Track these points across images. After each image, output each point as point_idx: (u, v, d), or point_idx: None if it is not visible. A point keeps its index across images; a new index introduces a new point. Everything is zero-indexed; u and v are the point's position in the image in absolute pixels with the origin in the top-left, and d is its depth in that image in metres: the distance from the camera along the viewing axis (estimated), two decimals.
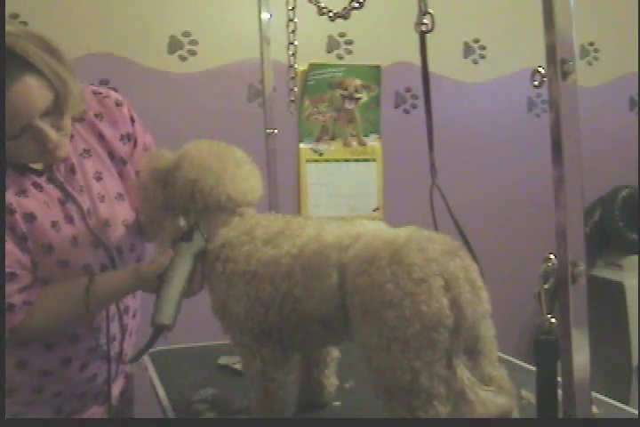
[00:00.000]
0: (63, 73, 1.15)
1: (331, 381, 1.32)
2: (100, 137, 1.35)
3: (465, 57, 3.05)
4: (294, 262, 1.08)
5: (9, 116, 1.11)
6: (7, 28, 1.11)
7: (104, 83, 2.51)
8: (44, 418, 1.35)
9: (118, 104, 1.38)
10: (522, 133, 3.09)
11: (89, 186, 1.32)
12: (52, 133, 1.18)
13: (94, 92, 1.36)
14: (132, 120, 1.40)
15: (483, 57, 3.06)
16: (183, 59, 2.69)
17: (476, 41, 3.05)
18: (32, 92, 1.11)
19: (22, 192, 1.25)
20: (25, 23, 2.44)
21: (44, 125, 1.16)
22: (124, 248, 1.36)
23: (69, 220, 1.28)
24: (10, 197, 1.23)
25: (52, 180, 1.29)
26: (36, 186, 1.27)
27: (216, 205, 1.20)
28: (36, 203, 1.25)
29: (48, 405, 1.36)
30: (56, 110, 1.17)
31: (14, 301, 1.22)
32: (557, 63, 0.72)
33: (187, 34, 2.67)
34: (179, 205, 1.24)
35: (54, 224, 1.26)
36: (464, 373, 0.94)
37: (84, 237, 1.30)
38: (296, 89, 1.61)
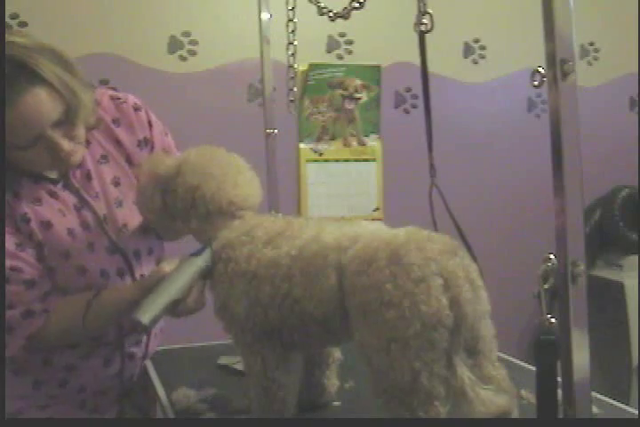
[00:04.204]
0: (74, 85, 1.17)
1: (332, 382, 1.32)
2: (118, 143, 1.36)
3: (465, 57, 3.05)
4: (293, 263, 1.08)
5: (20, 126, 1.13)
6: (19, 40, 1.13)
7: (104, 83, 2.51)
8: (44, 418, 1.37)
9: (136, 109, 1.39)
10: (522, 133, 3.09)
11: (106, 192, 1.33)
12: (65, 143, 1.19)
13: (112, 98, 1.37)
14: (150, 125, 1.40)
15: (483, 57, 3.06)
16: (183, 59, 2.69)
17: (476, 41, 3.05)
18: (42, 103, 1.13)
19: (37, 200, 1.26)
20: (25, 23, 2.44)
21: (56, 135, 1.18)
22: (141, 252, 1.37)
23: (85, 226, 1.30)
24: (24, 206, 1.24)
25: (67, 186, 1.30)
26: (52, 194, 1.28)
27: (217, 210, 1.19)
28: (51, 211, 1.27)
29: (72, 399, 1.39)
30: (67, 121, 1.18)
31: (34, 308, 1.25)
32: (557, 63, 0.72)
33: (187, 34, 2.67)
34: (178, 210, 1.24)
35: (70, 231, 1.28)
36: (464, 372, 0.94)
37: (100, 242, 1.31)
38: (296, 89, 1.61)
